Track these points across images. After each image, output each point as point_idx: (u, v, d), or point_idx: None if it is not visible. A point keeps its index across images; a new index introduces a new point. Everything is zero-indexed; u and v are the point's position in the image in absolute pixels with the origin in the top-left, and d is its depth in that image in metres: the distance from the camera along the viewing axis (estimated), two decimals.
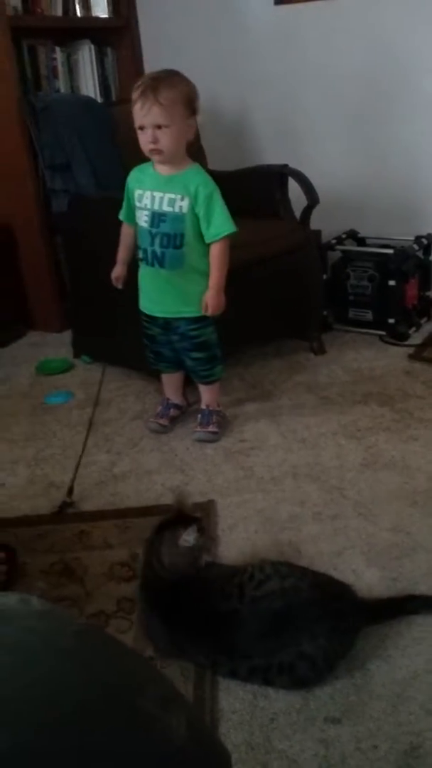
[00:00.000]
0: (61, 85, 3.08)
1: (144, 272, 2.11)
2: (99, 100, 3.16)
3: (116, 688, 0.59)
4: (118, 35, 3.28)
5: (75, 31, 3.13)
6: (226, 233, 1.99)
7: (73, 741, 0.53)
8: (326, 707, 1.25)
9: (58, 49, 3.04)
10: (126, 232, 2.15)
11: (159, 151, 1.92)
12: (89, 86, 3.19)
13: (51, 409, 2.45)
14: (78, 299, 2.77)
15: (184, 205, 1.97)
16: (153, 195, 2.01)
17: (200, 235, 2.01)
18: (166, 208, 1.99)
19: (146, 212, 2.02)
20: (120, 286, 2.19)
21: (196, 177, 1.99)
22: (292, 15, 3.01)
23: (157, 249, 2.01)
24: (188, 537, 1.36)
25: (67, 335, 2.90)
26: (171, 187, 1.98)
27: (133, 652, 0.74)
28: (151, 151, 1.93)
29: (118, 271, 2.19)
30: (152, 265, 2.05)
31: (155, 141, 1.90)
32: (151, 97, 1.85)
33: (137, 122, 1.91)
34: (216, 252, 2.01)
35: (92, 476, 2.03)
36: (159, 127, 1.88)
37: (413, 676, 1.29)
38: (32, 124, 2.78)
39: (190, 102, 1.91)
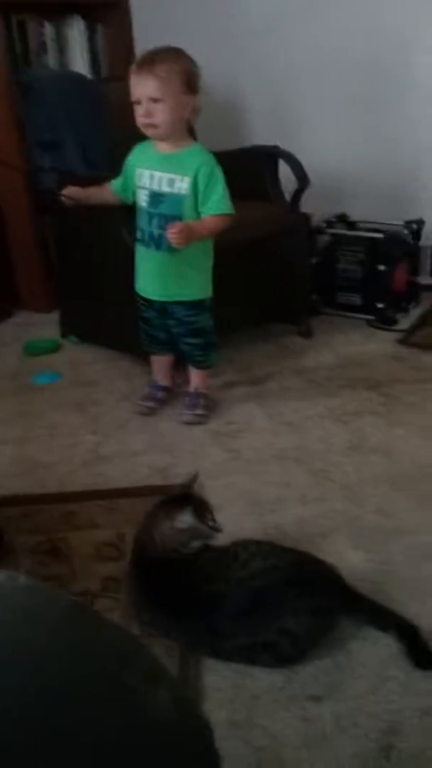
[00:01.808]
0: (51, 61, 3.04)
1: (141, 254, 2.08)
2: (89, 76, 3.12)
3: (102, 662, 0.60)
4: (109, 11, 3.24)
5: (65, 6, 3.08)
6: (222, 212, 1.95)
7: (59, 713, 0.54)
8: (308, 686, 1.26)
9: (47, 24, 3.00)
10: (106, 190, 2.10)
11: (153, 126, 1.89)
12: (79, 63, 3.14)
13: (38, 390, 2.44)
14: (65, 279, 2.75)
15: (183, 185, 1.94)
16: (152, 174, 1.98)
17: (199, 217, 1.98)
18: (165, 188, 1.96)
19: (145, 191, 1.99)
20: (64, 194, 2.06)
21: (198, 155, 1.96)
22: None
23: (155, 230, 1.99)
24: (183, 518, 1.36)
25: (54, 315, 2.88)
26: (171, 166, 1.95)
27: (119, 628, 0.74)
28: (145, 125, 1.90)
29: (74, 189, 2.07)
30: (149, 246, 2.02)
31: (149, 115, 1.87)
32: (146, 70, 1.83)
33: (132, 96, 1.88)
34: (208, 219, 1.96)
35: (79, 456, 2.03)
36: (154, 101, 1.85)
37: (394, 655, 1.31)
38: (21, 100, 2.74)
39: (187, 78, 1.87)
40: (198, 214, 1.98)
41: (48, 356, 2.69)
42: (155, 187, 1.98)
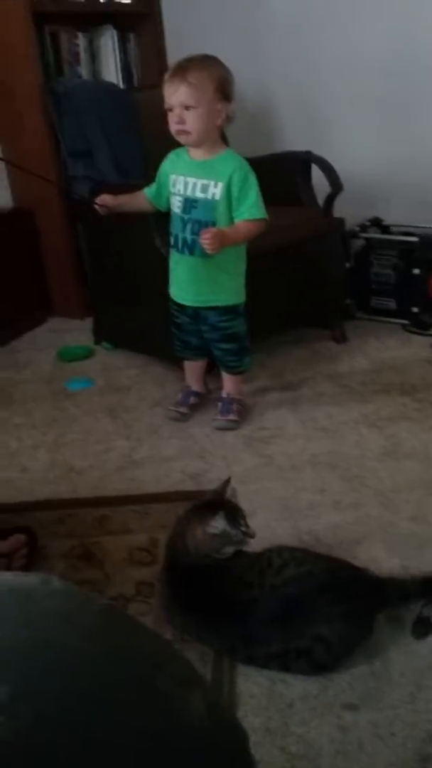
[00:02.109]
0: (83, 71, 3.08)
1: (175, 259, 2.09)
2: (121, 86, 3.15)
3: (136, 666, 0.59)
4: (141, 21, 3.27)
5: (97, 16, 3.12)
6: (255, 217, 1.96)
7: (93, 717, 0.53)
8: (344, 694, 1.24)
9: (80, 34, 3.04)
10: (139, 197, 2.12)
11: (186, 132, 1.90)
12: (111, 72, 3.17)
13: (72, 395, 2.46)
14: (99, 286, 2.78)
15: (217, 191, 1.95)
16: (186, 180, 1.98)
17: (232, 223, 1.98)
18: (198, 194, 1.97)
19: (179, 198, 2.00)
20: (98, 203, 2.10)
21: (231, 161, 1.96)
22: None
23: (188, 236, 2.00)
24: (215, 524, 1.35)
25: (88, 322, 2.91)
26: (205, 172, 1.96)
27: (152, 633, 0.74)
28: (178, 132, 1.91)
29: (107, 197, 2.10)
30: (182, 252, 2.03)
31: (182, 122, 1.88)
32: (179, 77, 1.84)
33: (166, 103, 1.89)
34: (242, 225, 1.96)
35: (112, 462, 2.04)
36: (186, 108, 1.86)
37: None
38: (54, 110, 2.78)
39: (221, 86, 1.87)
40: (232, 220, 1.98)
41: (81, 362, 2.71)
42: (189, 193, 1.98)
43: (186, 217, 2.00)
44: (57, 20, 2.94)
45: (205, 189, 1.96)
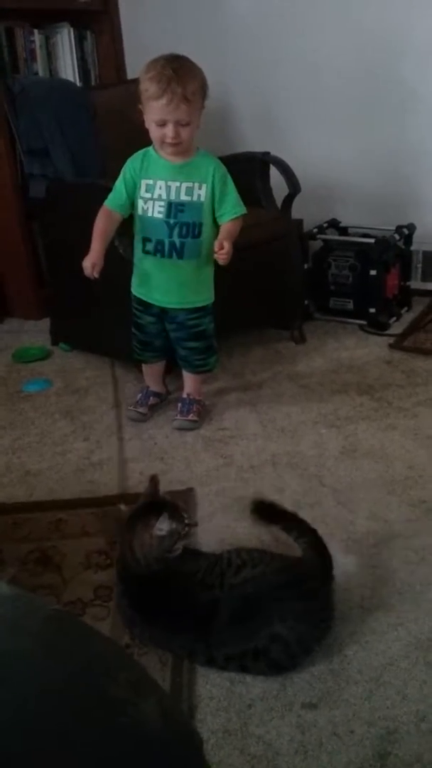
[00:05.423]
0: (40, 68, 3.03)
1: (155, 265, 2.03)
2: (78, 84, 3.12)
3: (84, 672, 0.58)
4: (97, 18, 3.23)
5: (54, 13, 3.07)
6: (239, 214, 1.97)
7: (41, 724, 0.52)
8: (303, 693, 1.25)
9: (36, 31, 3.00)
10: (106, 217, 1.99)
11: (176, 145, 1.88)
12: (68, 70, 3.14)
13: (28, 397, 2.42)
14: (56, 286, 2.74)
15: (202, 193, 1.94)
16: (168, 185, 1.94)
17: (214, 222, 1.99)
18: (184, 197, 1.95)
19: (161, 203, 1.95)
20: (96, 275, 1.97)
21: (209, 161, 1.96)
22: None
23: (176, 239, 1.97)
24: (162, 526, 1.34)
25: (45, 323, 2.87)
26: (186, 175, 1.94)
27: (104, 638, 0.73)
28: (168, 144, 1.88)
29: (94, 258, 1.95)
30: (170, 256, 1.99)
31: (177, 136, 1.85)
32: (179, 93, 1.79)
33: (158, 116, 1.83)
34: (230, 225, 1.96)
35: (70, 464, 2.01)
36: (182, 124, 1.84)
37: (390, 661, 1.30)
38: (9, 107, 2.73)
39: (204, 93, 1.87)
40: (212, 219, 1.98)
41: (38, 364, 2.67)
42: (173, 198, 1.95)
43: (172, 221, 1.95)
44: (12, 16, 2.89)
45: (190, 192, 1.94)
